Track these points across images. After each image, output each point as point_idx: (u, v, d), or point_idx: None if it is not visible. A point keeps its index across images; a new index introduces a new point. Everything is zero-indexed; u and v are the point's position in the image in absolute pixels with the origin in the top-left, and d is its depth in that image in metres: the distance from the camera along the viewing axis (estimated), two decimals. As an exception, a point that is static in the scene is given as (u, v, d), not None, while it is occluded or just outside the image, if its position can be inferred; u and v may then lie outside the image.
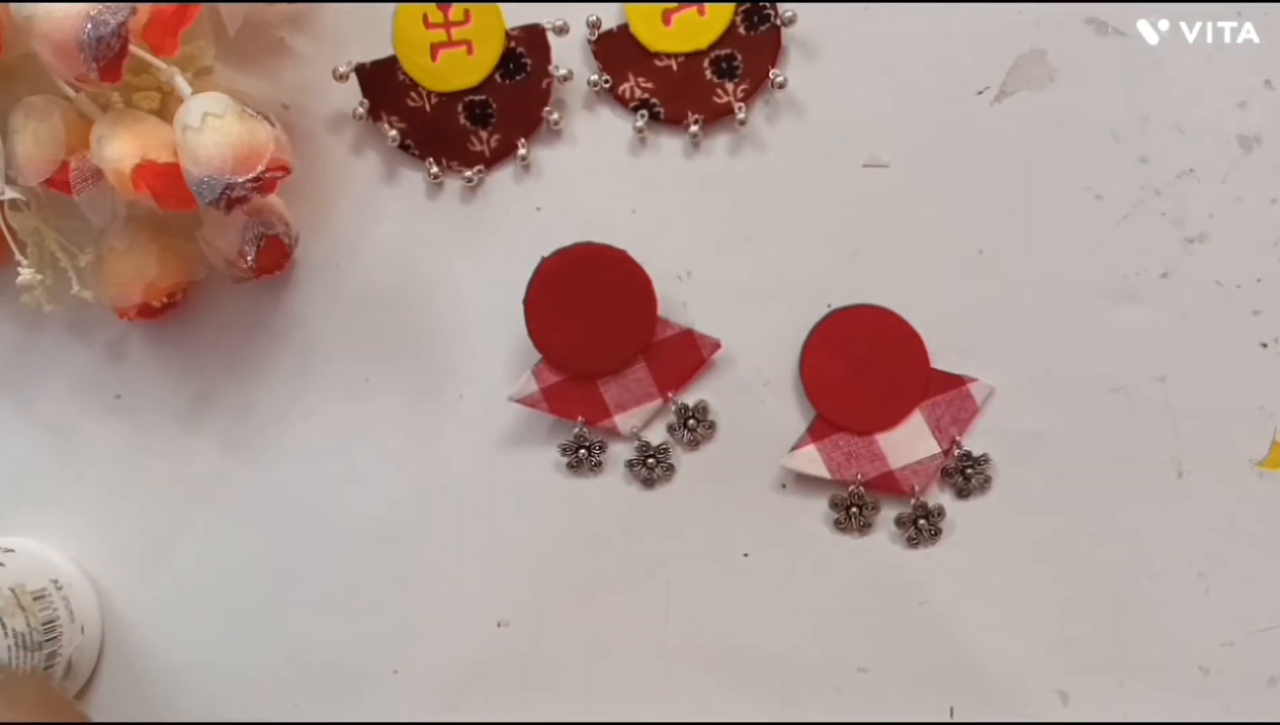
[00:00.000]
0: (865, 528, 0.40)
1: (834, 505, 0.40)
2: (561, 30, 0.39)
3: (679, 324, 0.40)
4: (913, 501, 0.40)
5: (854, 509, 0.40)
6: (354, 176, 0.41)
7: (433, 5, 0.38)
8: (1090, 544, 0.40)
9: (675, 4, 0.39)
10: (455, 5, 0.39)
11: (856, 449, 0.39)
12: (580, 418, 0.40)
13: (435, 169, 0.40)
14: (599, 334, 0.39)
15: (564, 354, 0.39)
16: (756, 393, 0.41)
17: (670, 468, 0.41)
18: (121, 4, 0.32)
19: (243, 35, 0.39)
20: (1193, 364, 0.40)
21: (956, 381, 0.39)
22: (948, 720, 0.41)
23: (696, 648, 0.41)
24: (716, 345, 0.40)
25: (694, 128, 0.40)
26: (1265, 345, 0.40)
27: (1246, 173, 0.40)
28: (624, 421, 0.40)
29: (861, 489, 0.40)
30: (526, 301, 0.39)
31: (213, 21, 0.39)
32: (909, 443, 0.40)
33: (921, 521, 0.40)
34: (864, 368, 0.39)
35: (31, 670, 0.36)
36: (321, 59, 0.40)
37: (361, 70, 0.40)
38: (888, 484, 0.40)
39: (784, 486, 0.41)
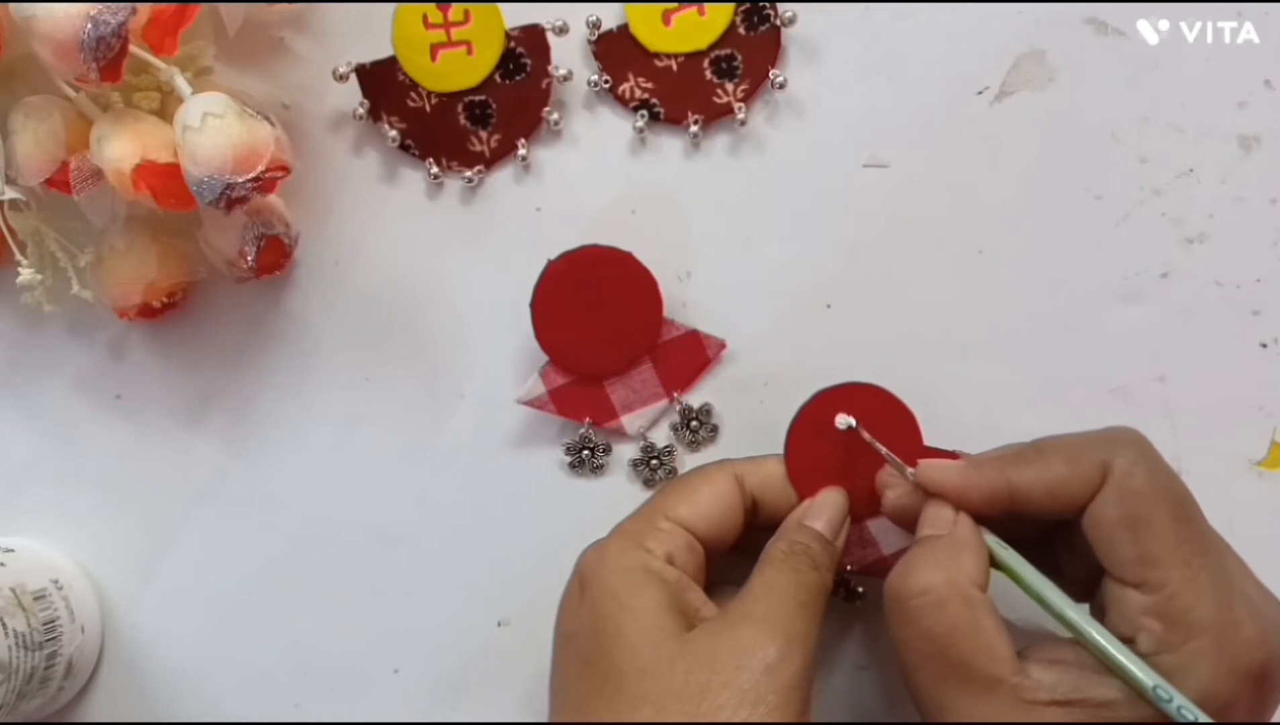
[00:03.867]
0: (850, 597, 0.40)
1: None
2: (561, 30, 0.39)
3: (684, 325, 0.40)
4: None
5: (841, 589, 0.39)
6: (354, 176, 0.41)
7: (432, 5, 0.38)
8: (1090, 544, 0.40)
9: (675, 4, 0.39)
10: (455, 5, 0.38)
11: (848, 536, 0.37)
12: (587, 419, 0.40)
13: (435, 169, 0.40)
14: (606, 336, 0.39)
15: (571, 356, 0.39)
16: (756, 392, 0.41)
17: (673, 470, 0.41)
18: (121, 4, 0.32)
19: (243, 35, 0.39)
20: (1193, 364, 0.40)
21: (952, 457, 0.36)
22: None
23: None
24: (722, 345, 0.40)
25: (694, 128, 0.40)
26: (1265, 345, 0.40)
27: (1246, 173, 0.40)
28: (631, 422, 0.40)
29: (851, 574, 0.39)
30: (534, 305, 0.39)
31: (213, 21, 0.39)
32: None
33: None
34: (852, 452, 0.37)
35: None
36: (321, 59, 0.40)
37: (361, 70, 0.40)
38: (882, 569, 0.37)
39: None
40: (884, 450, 0.36)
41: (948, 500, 0.34)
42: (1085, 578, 0.34)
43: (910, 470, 0.35)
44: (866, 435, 0.36)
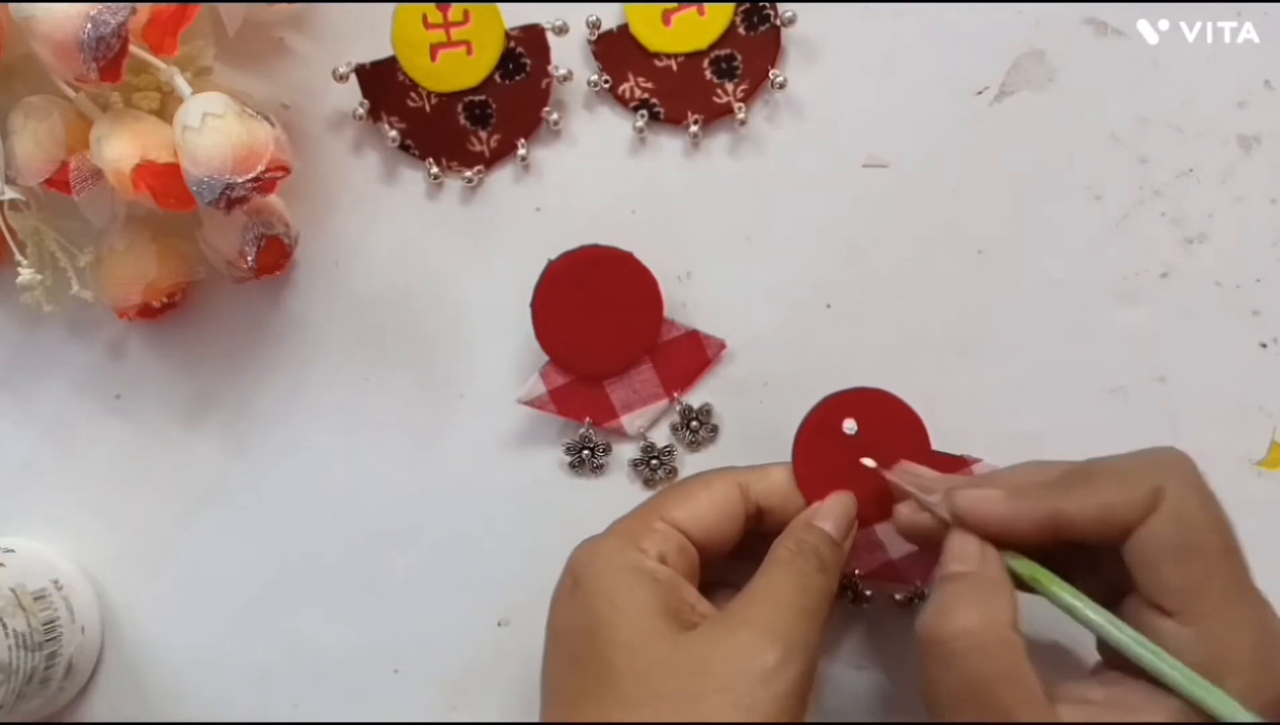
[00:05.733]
0: (858, 600, 0.40)
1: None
2: (561, 30, 0.39)
3: (684, 325, 0.40)
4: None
5: (849, 592, 0.39)
6: (354, 176, 0.41)
7: (432, 5, 0.38)
8: (1090, 544, 0.40)
9: (675, 4, 0.39)
10: (455, 5, 0.38)
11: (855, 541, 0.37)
12: (587, 419, 0.40)
13: (435, 169, 0.40)
14: (606, 336, 0.39)
15: (571, 356, 0.39)
16: (755, 392, 0.41)
17: (673, 470, 0.41)
18: (121, 4, 0.32)
19: (243, 35, 0.39)
20: (1193, 364, 0.40)
21: (960, 463, 0.37)
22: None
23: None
24: (722, 346, 0.40)
25: (694, 128, 0.40)
26: (1265, 345, 0.40)
27: (1246, 173, 0.40)
28: (630, 422, 0.40)
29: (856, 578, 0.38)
30: (534, 304, 0.39)
31: (213, 21, 0.39)
32: None
33: None
34: (860, 457, 0.37)
35: None
36: (321, 59, 0.40)
37: (361, 70, 0.40)
38: (888, 574, 0.38)
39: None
40: (914, 491, 0.35)
41: (990, 532, 0.33)
42: (1102, 598, 0.32)
43: (934, 499, 0.34)
44: (890, 475, 0.36)
